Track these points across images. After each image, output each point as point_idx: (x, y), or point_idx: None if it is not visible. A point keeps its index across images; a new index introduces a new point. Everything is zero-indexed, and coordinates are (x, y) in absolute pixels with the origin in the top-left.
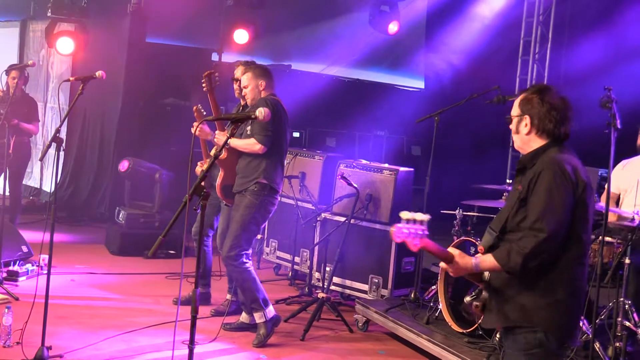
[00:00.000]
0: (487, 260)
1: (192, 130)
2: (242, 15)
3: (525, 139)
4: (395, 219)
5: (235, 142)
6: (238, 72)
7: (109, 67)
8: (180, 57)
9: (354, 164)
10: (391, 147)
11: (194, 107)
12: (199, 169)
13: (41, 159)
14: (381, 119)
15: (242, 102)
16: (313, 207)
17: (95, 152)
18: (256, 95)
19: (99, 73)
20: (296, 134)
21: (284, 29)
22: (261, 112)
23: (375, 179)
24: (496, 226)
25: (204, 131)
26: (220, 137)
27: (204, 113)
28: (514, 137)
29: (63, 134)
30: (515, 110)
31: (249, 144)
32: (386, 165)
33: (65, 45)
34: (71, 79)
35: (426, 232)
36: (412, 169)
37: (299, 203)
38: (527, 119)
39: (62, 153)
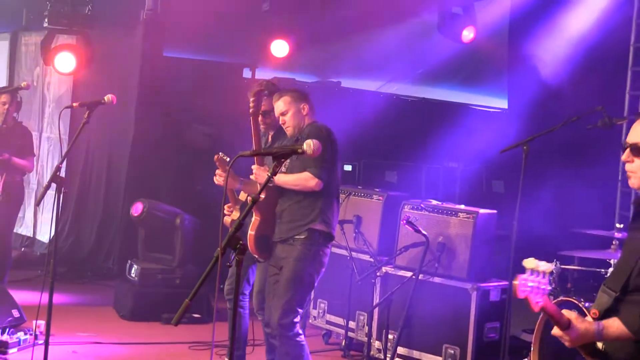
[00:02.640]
0: (614, 326)
1: (216, 180)
2: (281, 23)
3: None
4: (475, 273)
5: (283, 179)
6: (274, 102)
7: (118, 89)
8: (205, 74)
9: (421, 205)
10: (467, 182)
11: (215, 157)
12: (228, 218)
13: (38, 204)
14: (454, 148)
15: (270, 133)
16: (371, 259)
17: (101, 193)
18: (300, 122)
19: (108, 97)
20: (348, 168)
21: (332, 39)
22: (310, 145)
23: (448, 224)
24: (615, 284)
25: (230, 181)
26: (260, 173)
27: (227, 160)
28: (629, 169)
29: (63, 172)
30: (634, 136)
31: (302, 179)
32: (462, 206)
33: (65, 62)
34: (75, 104)
35: (548, 288)
36: (494, 211)
37: (354, 254)
38: None
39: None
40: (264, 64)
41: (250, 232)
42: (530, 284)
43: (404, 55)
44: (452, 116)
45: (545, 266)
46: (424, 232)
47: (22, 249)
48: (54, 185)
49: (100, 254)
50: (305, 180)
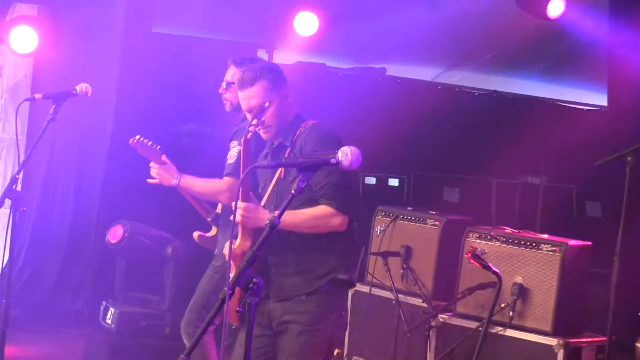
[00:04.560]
0: None
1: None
2: None
3: None
4: (562, 325)
5: (290, 218)
6: (239, 85)
7: (93, 76)
8: (207, 57)
9: (491, 234)
10: (552, 203)
11: (131, 140)
12: (197, 232)
13: None
14: (535, 158)
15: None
16: (424, 304)
17: (68, 212)
18: (285, 117)
19: (80, 87)
20: (393, 182)
21: (375, 12)
22: (347, 153)
23: (527, 259)
24: None
25: (163, 174)
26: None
27: (150, 145)
28: None
29: (19, 184)
30: None
31: (320, 218)
32: (545, 235)
33: (24, 39)
34: (37, 96)
35: None
36: (588, 242)
37: (401, 297)
38: None
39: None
40: (284, 44)
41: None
42: None
43: (469, 34)
44: (532, 115)
45: None
46: (495, 269)
47: None
48: (7, 201)
49: (65, 292)
50: (325, 218)
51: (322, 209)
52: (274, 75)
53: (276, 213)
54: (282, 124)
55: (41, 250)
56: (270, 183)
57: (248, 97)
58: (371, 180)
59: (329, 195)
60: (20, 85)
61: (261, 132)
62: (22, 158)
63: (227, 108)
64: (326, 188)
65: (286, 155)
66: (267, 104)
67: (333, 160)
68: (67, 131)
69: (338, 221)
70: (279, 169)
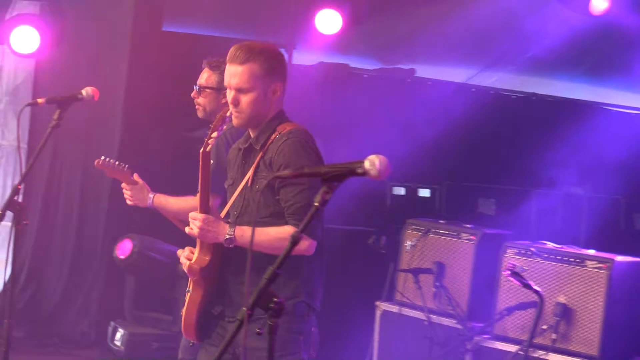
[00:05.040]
0: None
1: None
2: None
3: None
4: (611, 349)
5: (249, 235)
6: (229, 61)
7: (99, 79)
8: (221, 57)
9: (531, 249)
10: (598, 216)
11: (96, 162)
12: (186, 261)
13: None
14: (578, 166)
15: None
16: (458, 326)
17: (73, 225)
18: (263, 113)
19: (87, 91)
20: (424, 193)
21: (403, 9)
22: (375, 163)
23: (571, 277)
24: None
25: (136, 195)
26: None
27: (118, 165)
28: None
29: (21, 195)
30: None
31: (285, 240)
32: (591, 251)
33: (25, 39)
34: (40, 101)
35: None
36: (637, 259)
37: (434, 318)
38: None
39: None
40: (305, 43)
41: (187, 314)
42: None
43: (507, 32)
44: (575, 120)
45: None
46: (535, 287)
47: None
48: (9, 214)
49: (71, 311)
50: (285, 240)
51: (289, 230)
52: (270, 64)
53: (242, 228)
54: (257, 116)
55: (44, 266)
56: (238, 187)
57: (231, 75)
58: (400, 191)
59: (297, 217)
60: (21, 89)
61: (233, 115)
62: (23, 167)
63: (200, 114)
64: (294, 208)
65: (257, 160)
66: (228, 113)
67: (359, 170)
68: (71, 137)
69: (305, 245)
70: (248, 174)
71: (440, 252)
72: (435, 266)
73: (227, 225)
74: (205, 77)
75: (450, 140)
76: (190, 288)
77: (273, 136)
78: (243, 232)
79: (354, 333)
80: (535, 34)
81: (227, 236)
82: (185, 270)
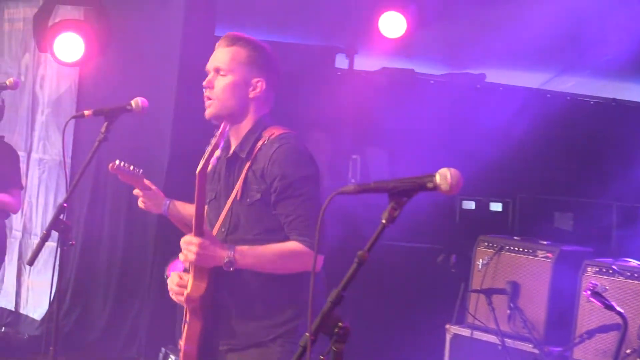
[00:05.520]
0: None
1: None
2: None
3: None
4: None
5: (252, 255)
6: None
7: (149, 88)
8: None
9: (613, 268)
10: None
11: (110, 166)
12: (175, 283)
13: (30, 263)
14: None
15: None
16: (535, 350)
17: (119, 244)
18: (239, 107)
19: (136, 102)
20: (496, 207)
21: (472, 10)
22: (447, 177)
23: None
24: None
25: (148, 201)
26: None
27: (132, 169)
28: None
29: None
30: None
31: (292, 256)
32: None
33: (69, 46)
34: (86, 113)
35: None
36: None
37: (508, 341)
38: None
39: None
40: (367, 48)
41: (187, 346)
42: None
43: (584, 34)
44: None
45: None
46: (619, 309)
47: (2, 328)
48: (53, 233)
49: (118, 337)
50: (296, 257)
51: (292, 245)
52: (257, 55)
53: (242, 248)
54: (230, 108)
55: (89, 288)
56: (226, 203)
57: (213, 57)
58: (470, 205)
59: (300, 231)
60: (64, 99)
61: (205, 104)
62: (67, 183)
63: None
64: (297, 222)
65: (245, 171)
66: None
67: (430, 185)
68: (116, 150)
69: (311, 260)
70: (236, 187)
71: (515, 271)
72: (509, 286)
73: (226, 247)
74: None
75: (524, 150)
76: (187, 319)
77: (260, 142)
78: (243, 253)
79: (422, 358)
80: (614, 36)
81: (227, 259)
82: (180, 300)
